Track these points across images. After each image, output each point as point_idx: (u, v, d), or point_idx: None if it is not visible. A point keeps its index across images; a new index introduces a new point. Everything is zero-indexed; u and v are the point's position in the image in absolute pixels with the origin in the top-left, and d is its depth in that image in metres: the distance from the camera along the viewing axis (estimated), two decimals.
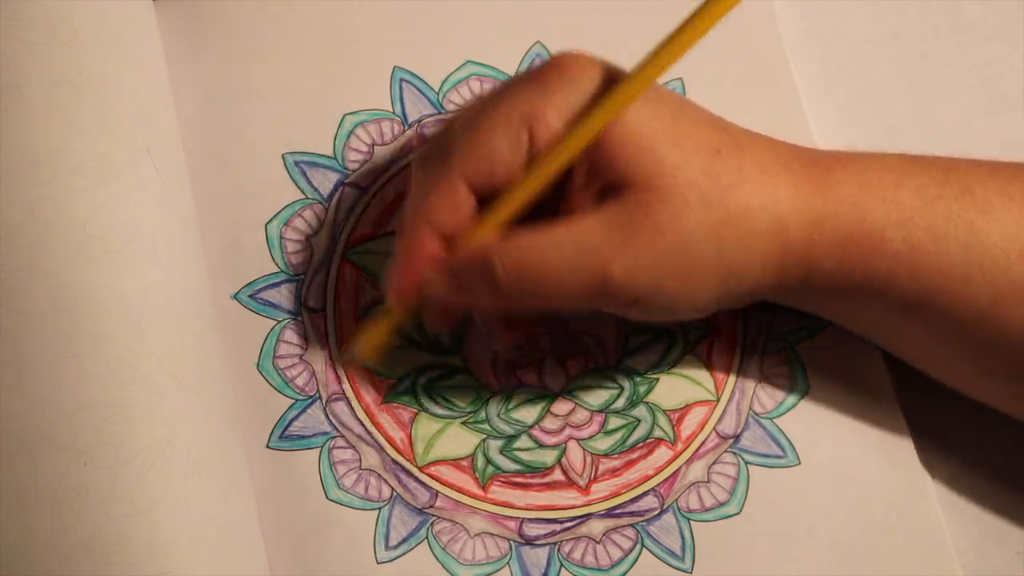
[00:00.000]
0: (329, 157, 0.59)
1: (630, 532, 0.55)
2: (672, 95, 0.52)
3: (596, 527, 0.55)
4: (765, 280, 0.52)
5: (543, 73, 0.51)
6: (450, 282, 0.52)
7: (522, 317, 0.56)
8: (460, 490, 0.55)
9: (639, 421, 0.57)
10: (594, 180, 0.51)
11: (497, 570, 0.54)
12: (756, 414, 0.57)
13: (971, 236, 0.50)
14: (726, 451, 0.56)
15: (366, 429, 0.56)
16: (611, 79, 0.51)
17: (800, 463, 0.56)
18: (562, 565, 0.54)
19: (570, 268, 0.50)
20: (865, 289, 0.52)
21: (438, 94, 0.61)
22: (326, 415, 0.56)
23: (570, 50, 0.52)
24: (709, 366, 0.57)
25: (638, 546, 0.55)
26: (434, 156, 0.52)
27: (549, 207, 0.52)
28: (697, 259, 0.50)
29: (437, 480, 0.55)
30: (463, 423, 0.56)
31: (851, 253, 0.51)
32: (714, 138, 0.51)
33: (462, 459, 0.56)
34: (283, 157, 0.59)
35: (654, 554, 0.55)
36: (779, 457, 0.56)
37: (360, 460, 0.55)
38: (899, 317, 0.52)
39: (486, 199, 0.51)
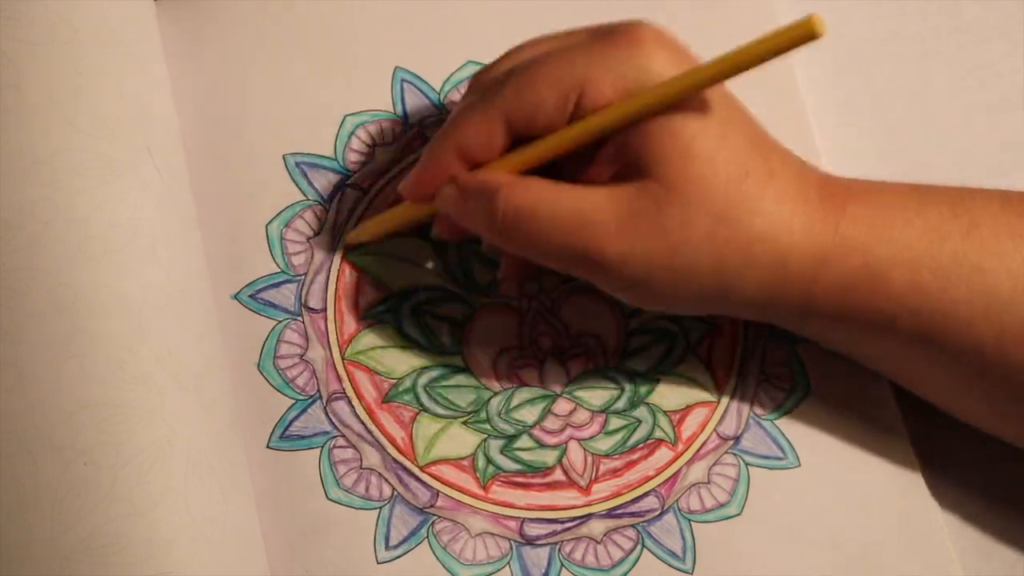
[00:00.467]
0: (330, 158, 0.59)
1: (631, 532, 0.55)
2: (727, 99, 0.52)
3: (597, 527, 0.55)
4: (763, 304, 0.52)
5: (611, 38, 0.51)
6: (458, 201, 0.53)
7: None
8: (461, 490, 0.55)
9: (640, 422, 0.57)
10: (620, 157, 0.51)
11: (498, 570, 0.54)
12: (756, 415, 0.57)
13: (976, 276, 0.50)
14: (727, 452, 0.56)
15: (367, 428, 0.56)
16: (677, 61, 0.51)
17: (800, 465, 0.56)
18: (563, 565, 0.54)
19: (565, 232, 0.50)
20: (866, 327, 0.52)
21: (439, 94, 0.61)
22: (326, 414, 0.56)
23: (644, 20, 0.52)
24: (710, 367, 0.57)
25: (639, 547, 0.55)
26: (487, 87, 0.53)
27: (569, 172, 0.52)
28: (694, 269, 0.51)
29: (438, 480, 0.55)
30: (464, 423, 0.56)
31: (854, 292, 0.51)
32: (748, 160, 0.51)
33: (463, 459, 0.56)
34: (284, 158, 0.59)
35: (655, 555, 0.55)
36: (779, 459, 0.56)
37: (360, 459, 0.55)
38: (901, 351, 0.53)
39: (519, 142, 0.52)
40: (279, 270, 0.58)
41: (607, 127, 0.50)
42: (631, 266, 0.50)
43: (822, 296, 0.51)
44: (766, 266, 0.51)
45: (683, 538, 0.55)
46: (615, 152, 0.51)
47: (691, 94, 0.50)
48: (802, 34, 0.48)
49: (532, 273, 0.57)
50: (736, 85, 0.56)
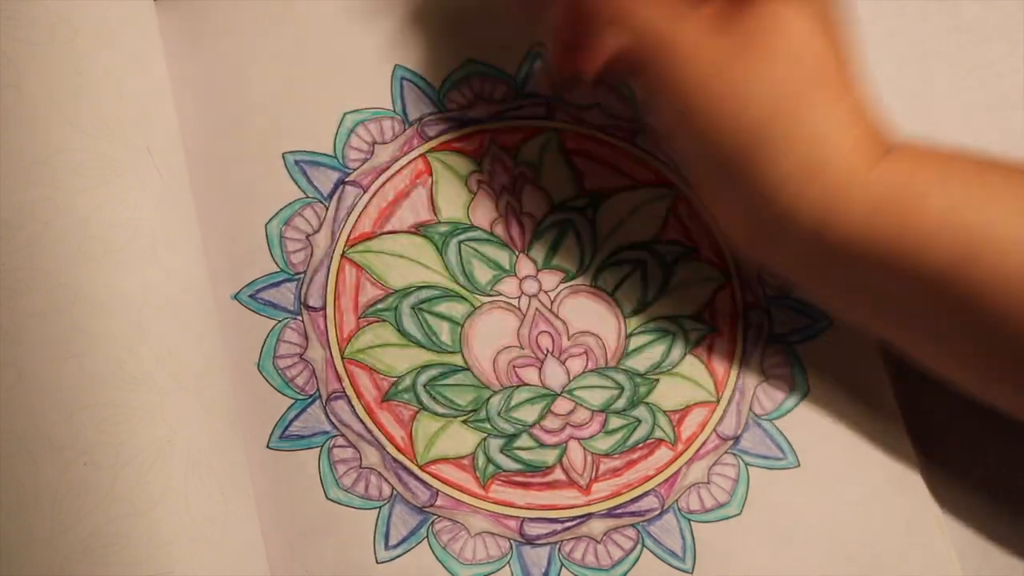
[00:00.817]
0: (329, 156, 0.59)
1: (631, 532, 0.55)
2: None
3: (597, 527, 0.55)
4: (784, 192, 0.52)
5: None
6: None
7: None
8: (461, 489, 0.55)
9: (640, 421, 0.57)
10: None
11: (497, 570, 0.54)
12: (756, 415, 0.57)
13: (1016, 215, 0.50)
14: (726, 452, 0.56)
15: (366, 427, 0.56)
16: None
17: (800, 465, 0.56)
18: (563, 565, 0.54)
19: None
20: (889, 256, 0.51)
21: (439, 93, 0.61)
22: (326, 414, 0.56)
23: None
24: (709, 367, 0.57)
25: (639, 546, 0.55)
26: None
27: None
28: (750, 95, 0.51)
29: (437, 479, 0.55)
30: (464, 422, 0.56)
31: (890, 207, 0.51)
32: (839, 61, 0.52)
33: (463, 458, 0.56)
34: (283, 156, 0.59)
35: (655, 554, 0.55)
36: (779, 459, 0.56)
37: (360, 459, 0.55)
38: (919, 296, 0.51)
39: None
40: (279, 269, 0.58)
41: None
42: (695, 57, 0.52)
43: (857, 202, 0.51)
44: (813, 139, 0.51)
45: (683, 538, 0.55)
46: None
47: None
48: None
49: (575, 74, 0.57)
50: None
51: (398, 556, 0.54)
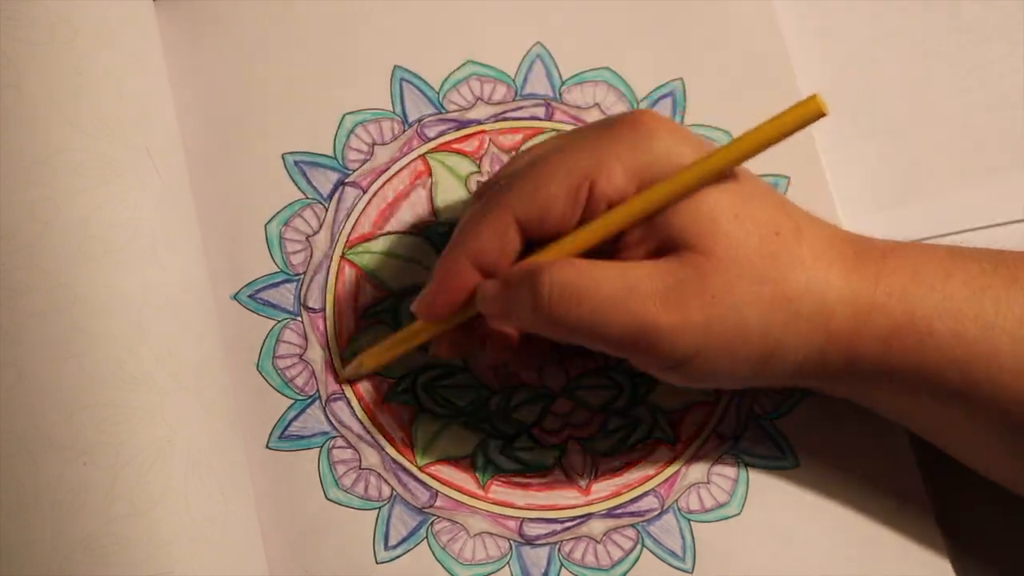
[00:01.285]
0: (329, 157, 0.59)
1: (630, 532, 0.55)
2: (741, 172, 0.52)
3: (596, 527, 0.55)
4: (807, 363, 0.52)
5: (616, 126, 0.51)
6: (499, 293, 0.51)
7: (540, 350, 0.56)
8: (460, 490, 0.55)
9: (639, 421, 0.57)
10: (650, 238, 0.51)
11: (497, 570, 0.54)
12: (755, 415, 0.57)
13: (1020, 327, 0.50)
14: (726, 452, 0.56)
15: (366, 428, 0.56)
16: (682, 142, 0.51)
17: (799, 465, 0.56)
18: (562, 565, 0.54)
19: (617, 304, 0.50)
20: (909, 379, 0.51)
21: (438, 94, 0.61)
22: (325, 415, 0.56)
23: (648, 110, 0.53)
24: None
25: (638, 546, 0.55)
26: (492, 190, 0.53)
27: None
28: (744, 330, 0.50)
29: (437, 479, 0.55)
30: (463, 423, 0.56)
31: (897, 344, 0.51)
32: (776, 220, 0.51)
33: (462, 459, 0.56)
34: (283, 157, 0.59)
35: (655, 554, 0.55)
36: (778, 459, 0.56)
37: (360, 460, 0.55)
38: (940, 406, 0.52)
39: (533, 243, 0.52)
40: (278, 270, 0.58)
41: (631, 218, 0.50)
42: (684, 337, 0.50)
43: (866, 349, 0.51)
44: (810, 319, 0.50)
45: (683, 538, 0.55)
46: (643, 234, 0.51)
47: (709, 180, 0.50)
48: (807, 113, 0.48)
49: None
50: (736, 85, 0.56)
51: (398, 556, 0.54)
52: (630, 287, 0.50)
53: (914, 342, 0.50)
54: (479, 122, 0.60)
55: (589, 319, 0.50)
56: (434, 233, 0.59)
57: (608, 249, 0.51)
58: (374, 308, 0.57)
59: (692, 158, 0.50)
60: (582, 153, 0.51)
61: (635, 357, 0.51)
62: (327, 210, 0.59)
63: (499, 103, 0.61)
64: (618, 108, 0.61)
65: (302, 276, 0.58)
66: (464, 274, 0.52)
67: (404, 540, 0.54)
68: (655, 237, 0.50)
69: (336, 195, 0.59)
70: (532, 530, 0.55)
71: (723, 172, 0.50)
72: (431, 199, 0.59)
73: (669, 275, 0.50)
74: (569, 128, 0.60)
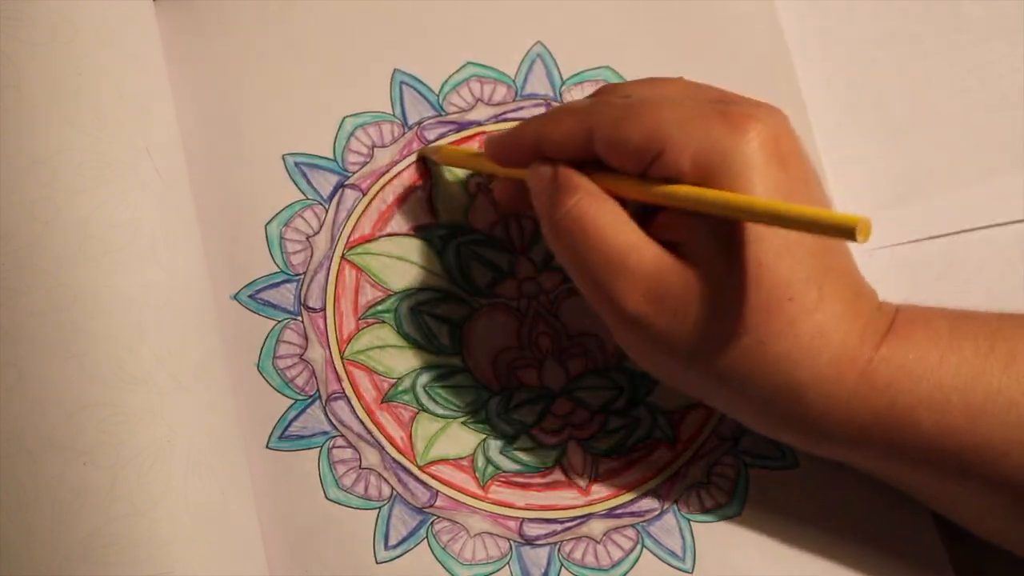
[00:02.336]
0: (329, 159, 0.59)
1: (631, 532, 0.55)
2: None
3: (596, 527, 0.55)
4: (759, 424, 0.52)
5: (724, 112, 0.50)
6: (543, 180, 0.52)
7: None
8: (460, 490, 0.55)
9: (639, 422, 0.57)
10: (682, 227, 0.50)
11: (497, 570, 0.54)
12: None
13: (1012, 410, 0.49)
14: (726, 452, 0.56)
15: (366, 428, 0.56)
16: (767, 163, 0.49)
17: (799, 465, 0.56)
18: (562, 565, 0.54)
19: (602, 265, 0.50)
20: (892, 460, 0.51)
21: (438, 96, 0.61)
22: (326, 414, 0.56)
23: (771, 107, 0.51)
24: None
25: (639, 546, 0.55)
26: (601, 99, 0.53)
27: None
28: (701, 363, 0.50)
29: (437, 479, 0.55)
30: (463, 423, 0.56)
31: (879, 431, 0.50)
32: (797, 285, 0.49)
33: (462, 459, 0.56)
34: (283, 158, 0.59)
35: (655, 554, 0.55)
36: (778, 459, 0.56)
37: (360, 459, 0.55)
38: (932, 482, 0.51)
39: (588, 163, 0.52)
40: (278, 270, 0.58)
41: (679, 204, 0.49)
42: (639, 330, 0.50)
43: (842, 428, 0.50)
44: (775, 390, 0.50)
45: (683, 538, 0.55)
46: (678, 220, 0.50)
47: (741, 218, 0.48)
48: (846, 224, 0.44)
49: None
50: (736, 85, 0.56)
51: (398, 556, 0.54)
52: (625, 260, 0.50)
53: (898, 430, 0.49)
54: (479, 123, 0.61)
55: (576, 255, 0.51)
56: (434, 235, 0.59)
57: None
58: (374, 308, 0.58)
59: (761, 189, 0.48)
60: (675, 119, 0.49)
61: (593, 305, 0.52)
62: (327, 211, 0.59)
63: (499, 104, 0.61)
64: None
65: (302, 276, 0.58)
66: (528, 141, 0.53)
67: (404, 540, 0.54)
68: (685, 228, 0.50)
69: (336, 197, 0.59)
70: (532, 530, 0.55)
71: (758, 220, 0.47)
72: (431, 201, 0.59)
73: (664, 273, 0.50)
74: None
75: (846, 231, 0.43)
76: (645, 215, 0.51)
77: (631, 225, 0.51)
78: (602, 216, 0.50)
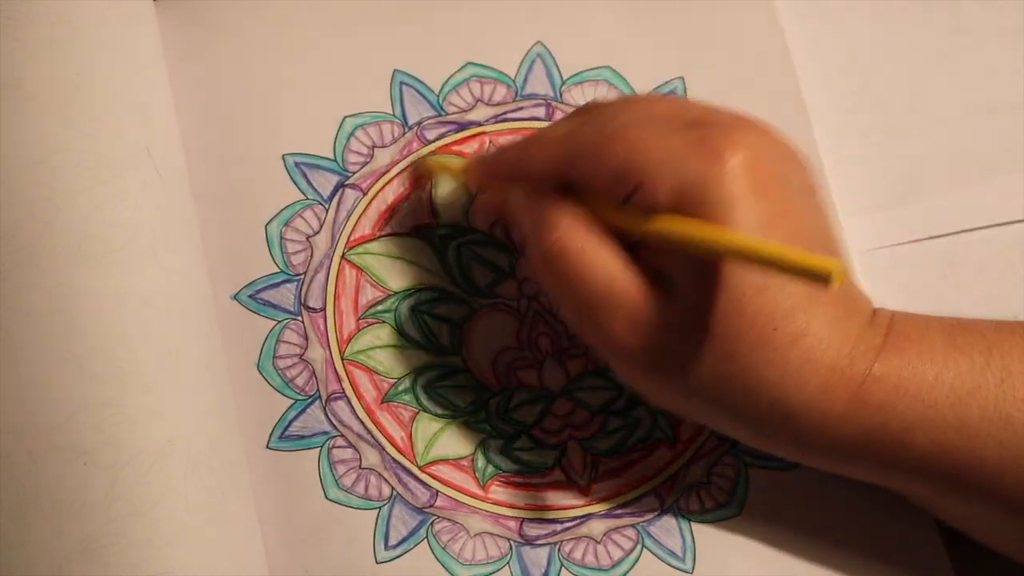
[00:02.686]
0: (329, 159, 0.59)
1: (631, 532, 0.55)
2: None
3: (596, 527, 0.55)
4: (751, 440, 0.52)
5: (703, 137, 0.49)
6: (525, 205, 0.52)
7: None
8: (460, 489, 0.55)
9: (639, 422, 0.57)
10: (666, 258, 0.50)
11: (497, 570, 0.54)
12: None
13: (1008, 427, 0.48)
14: (726, 452, 0.56)
15: (366, 428, 0.56)
16: (748, 192, 0.48)
17: (799, 465, 0.56)
18: (562, 565, 0.54)
19: (588, 297, 0.50)
20: (886, 475, 0.51)
21: (438, 96, 0.61)
22: (326, 414, 0.56)
23: (751, 123, 0.50)
24: None
25: (639, 546, 0.55)
26: (586, 119, 0.52)
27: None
28: (690, 393, 0.50)
29: (437, 479, 0.55)
30: (463, 423, 0.56)
31: (873, 450, 0.49)
32: (782, 316, 0.48)
33: (462, 458, 0.56)
34: (283, 158, 0.59)
35: (655, 554, 0.55)
36: (778, 459, 0.56)
37: (360, 459, 0.55)
38: (930, 494, 0.51)
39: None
40: (278, 270, 0.58)
41: (654, 239, 0.49)
42: (624, 359, 0.50)
43: (834, 446, 0.50)
44: (767, 413, 0.49)
45: (683, 538, 0.55)
46: (662, 250, 0.50)
47: (716, 255, 0.48)
48: (822, 269, 0.43)
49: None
50: (736, 85, 0.56)
51: (398, 556, 0.54)
52: (611, 292, 0.50)
53: (890, 451, 0.49)
54: (479, 124, 0.60)
55: (565, 292, 0.51)
56: (434, 235, 0.59)
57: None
58: (374, 308, 0.58)
59: (741, 221, 0.47)
60: (656, 146, 0.49)
61: (584, 338, 0.52)
62: (327, 211, 0.59)
63: (499, 104, 0.61)
64: None
65: (302, 276, 0.58)
66: (509, 164, 0.54)
67: (404, 540, 0.54)
68: (668, 259, 0.50)
69: (336, 197, 0.59)
70: (532, 530, 0.55)
71: (742, 260, 0.47)
72: (431, 201, 0.59)
73: (651, 305, 0.49)
74: None
75: (821, 277, 0.43)
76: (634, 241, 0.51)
77: (615, 256, 0.50)
78: (586, 250, 0.50)
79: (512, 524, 0.55)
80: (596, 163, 0.50)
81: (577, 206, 0.51)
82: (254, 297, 0.57)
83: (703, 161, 0.48)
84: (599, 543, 0.55)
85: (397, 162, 0.60)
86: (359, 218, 0.59)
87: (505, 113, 0.61)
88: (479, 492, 0.55)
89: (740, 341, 0.48)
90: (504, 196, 0.56)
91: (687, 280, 0.49)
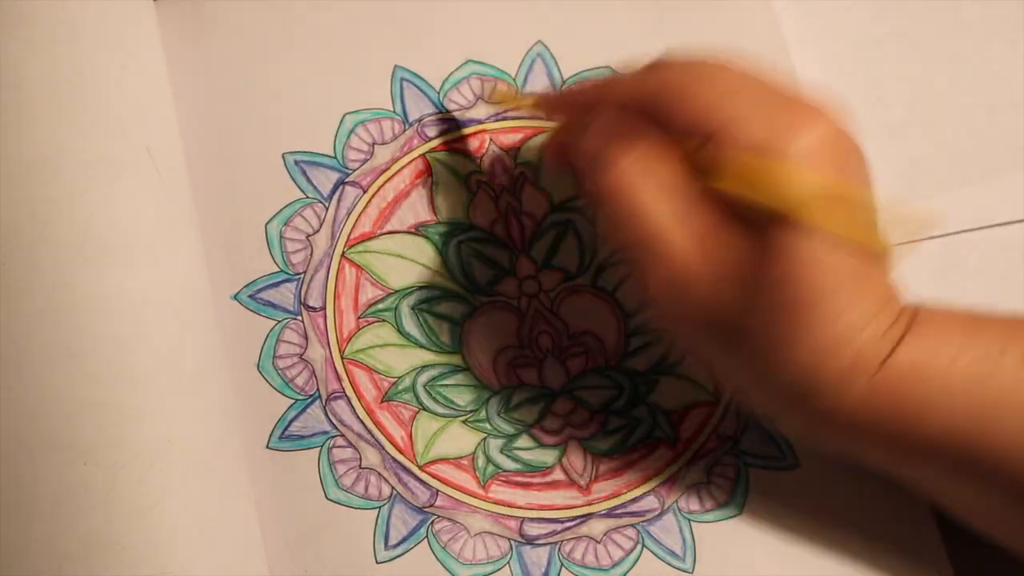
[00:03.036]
0: (329, 156, 0.59)
1: (631, 532, 0.55)
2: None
3: (597, 527, 0.55)
4: (768, 406, 0.52)
5: (790, 106, 0.49)
6: (586, 131, 0.52)
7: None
8: (460, 489, 0.55)
9: (640, 421, 0.57)
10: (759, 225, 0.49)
11: (497, 570, 0.54)
12: (756, 416, 0.57)
13: (1021, 416, 0.48)
14: (726, 452, 0.56)
15: (366, 427, 0.56)
16: (824, 160, 0.48)
17: (800, 465, 0.56)
18: (563, 565, 0.54)
19: (657, 221, 0.50)
20: (896, 457, 0.51)
21: (439, 93, 0.61)
22: (326, 414, 0.56)
23: (847, 131, 0.49)
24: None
25: (639, 546, 0.55)
26: (677, 63, 0.52)
27: None
28: (741, 336, 0.50)
29: (437, 479, 0.55)
30: (463, 422, 0.56)
31: (887, 428, 0.49)
32: (847, 279, 0.48)
33: (462, 458, 0.56)
34: (283, 156, 0.59)
35: (655, 554, 0.55)
36: (778, 459, 0.56)
37: (360, 459, 0.55)
38: (941, 479, 0.51)
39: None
40: (278, 269, 0.58)
41: (723, 184, 0.49)
42: (662, 306, 0.51)
43: (847, 425, 0.50)
44: (790, 383, 0.49)
45: (683, 538, 0.55)
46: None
47: (779, 203, 0.48)
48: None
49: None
50: None
51: (398, 556, 0.54)
52: (656, 248, 0.50)
53: (904, 431, 0.49)
54: (479, 121, 0.60)
55: (615, 228, 0.51)
56: (434, 233, 0.59)
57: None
58: (375, 307, 0.58)
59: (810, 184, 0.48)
60: (742, 101, 0.49)
61: (634, 264, 0.52)
62: (327, 209, 0.59)
63: (500, 102, 0.61)
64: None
65: (302, 275, 0.58)
66: (586, 101, 0.53)
67: (404, 540, 0.54)
68: (731, 209, 0.50)
69: (336, 194, 0.59)
70: (532, 530, 0.55)
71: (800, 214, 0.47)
72: (431, 198, 0.59)
73: (692, 267, 0.50)
74: None
75: (878, 252, 0.44)
76: None
77: (672, 202, 0.50)
78: (643, 191, 0.50)
79: (512, 524, 0.55)
80: (681, 102, 0.50)
81: (643, 148, 0.51)
82: (254, 297, 0.57)
83: (790, 124, 0.48)
84: (599, 543, 0.55)
85: (398, 159, 0.60)
86: (359, 216, 0.59)
87: (506, 111, 0.61)
88: (479, 491, 0.55)
89: (783, 311, 0.48)
90: (569, 136, 0.55)
91: (740, 240, 0.49)
